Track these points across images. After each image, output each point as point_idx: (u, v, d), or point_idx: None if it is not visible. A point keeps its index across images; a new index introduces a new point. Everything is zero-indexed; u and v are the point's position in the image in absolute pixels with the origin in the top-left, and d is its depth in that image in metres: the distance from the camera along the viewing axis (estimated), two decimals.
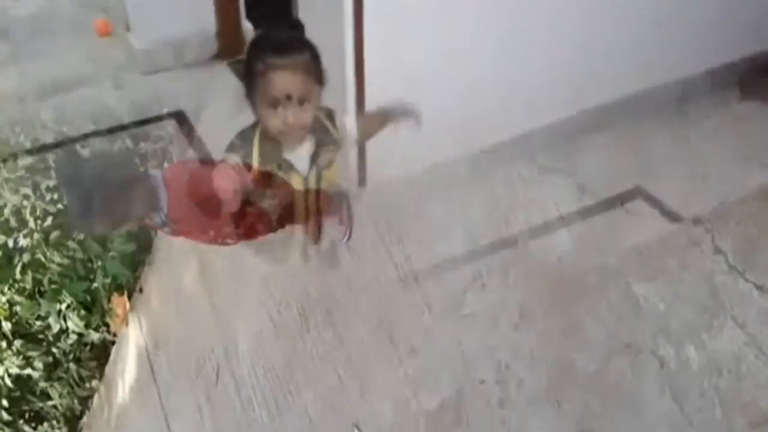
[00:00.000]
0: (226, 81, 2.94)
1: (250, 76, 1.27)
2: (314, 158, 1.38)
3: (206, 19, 2.96)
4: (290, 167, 1.36)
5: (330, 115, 1.40)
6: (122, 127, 2.65)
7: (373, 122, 1.48)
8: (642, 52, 2.42)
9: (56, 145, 2.56)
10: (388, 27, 1.85)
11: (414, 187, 2.19)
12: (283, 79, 1.24)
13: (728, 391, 1.63)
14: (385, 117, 1.46)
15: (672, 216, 2.17)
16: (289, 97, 1.25)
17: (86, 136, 2.60)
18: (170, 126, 2.66)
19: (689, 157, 2.44)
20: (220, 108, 2.75)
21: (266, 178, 1.34)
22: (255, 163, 1.32)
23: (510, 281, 1.96)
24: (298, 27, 1.33)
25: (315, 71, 1.28)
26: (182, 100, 2.80)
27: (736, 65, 2.72)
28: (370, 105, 1.93)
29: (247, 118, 1.36)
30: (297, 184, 1.39)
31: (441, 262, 2.02)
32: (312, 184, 1.41)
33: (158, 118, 2.71)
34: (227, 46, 3.04)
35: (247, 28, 3.05)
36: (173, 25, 2.91)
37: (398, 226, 2.14)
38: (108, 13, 3.36)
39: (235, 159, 1.30)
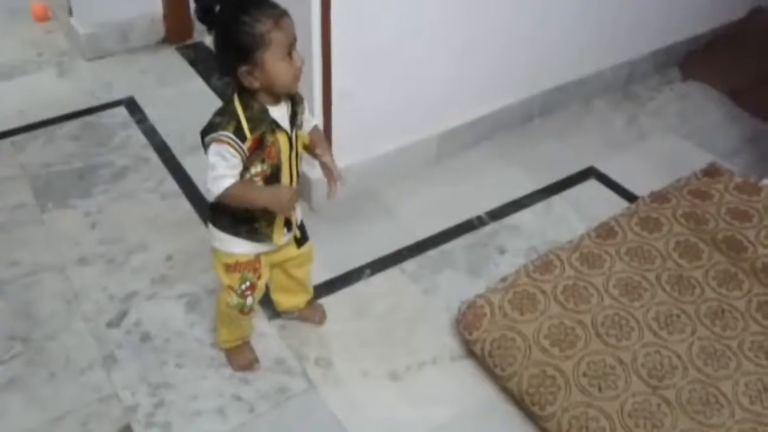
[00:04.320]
0: (175, 65, 2.87)
1: (252, 41, 1.28)
2: (293, 116, 1.43)
3: (153, 2, 2.88)
4: (278, 126, 1.39)
5: None
6: (71, 116, 2.55)
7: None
8: (590, 36, 2.51)
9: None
10: (352, 15, 1.85)
11: (377, 171, 2.21)
12: (289, 24, 1.31)
13: None
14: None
15: (625, 194, 2.25)
16: (295, 41, 1.33)
17: (33, 126, 2.50)
18: (121, 113, 2.58)
19: (638, 136, 2.54)
20: (171, 93, 2.69)
21: (258, 143, 1.37)
22: (247, 131, 1.34)
23: (475, 263, 2.01)
24: None
25: None
26: (131, 85, 2.72)
27: (677, 47, 2.84)
28: (336, 87, 1.94)
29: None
30: (284, 143, 1.41)
31: (403, 249, 2.05)
32: (294, 143, 1.45)
33: (108, 105, 2.62)
34: (175, 30, 2.96)
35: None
36: (118, 8, 2.81)
37: (362, 213, 2.15)
38: None
39: (228, 136, 1.33)
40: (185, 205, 2.19)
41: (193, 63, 2.89)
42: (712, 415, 1.52)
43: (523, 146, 2.46)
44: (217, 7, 1.31)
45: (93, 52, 2.86)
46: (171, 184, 2.27)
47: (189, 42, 3.00)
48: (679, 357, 1.63)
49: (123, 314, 1.84)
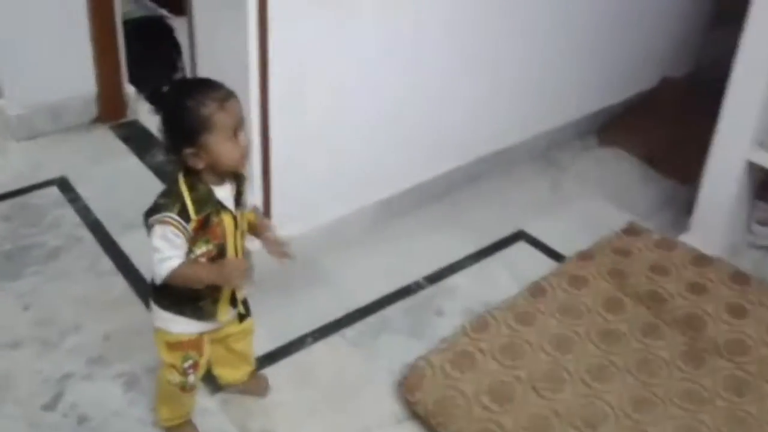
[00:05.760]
0: (109, 144, 2.88)
1: (197, 124, 1.31)
2: (238, 196, 1.45)
3: (86, 82, 2.90)
4: (223, 207, 1.41)
5: None
6: (1, 197, 2.51)
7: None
8: (516, 108, 2.69)
9: None
10: (290, 93, 1.95)
11: (315, 243, 2.25)
12: (235, 105, 1.34)
13: None
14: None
15: (553, 254, 2.36)
16: (242, 122, 1.36)
17: None
18: (53, 193, 2.56)
19: (562, 200, 2.69)
20: (105, 172, 2.69)
21: (204, 225, 1.38)
22: (192, 212, 1.35)
23: (414, 326, 2.06)
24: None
25: None
26: (64, 165, 2.70)
27: (595, 115, 3.04)
28: (275, 164, 2.00)
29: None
30: (228, 223, 1.43)
31: (343, 316, 2.08)
32: (239, 222, 1.46)
33: (40, 185, 2.59)
34: (108, 109, 2.98)
35: (130, 90, 3.02)
36: (50, 89, 2.82)
37: (302, 282, 2.18)
38: None
39: (173, 217, 1.34)
40: (121, 284, 2.17)
41: (127, 141, 2.90)
42: None
43: (455, 212, 2.56)
44: (165, 88, 1.35)
45: (24, 133, 2.84)
46: (106, 263, 2.25)
47: (123, 120, 3.02)
48: (611, 406, 1.70)
49: (58, 396, 1.79)
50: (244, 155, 1.39)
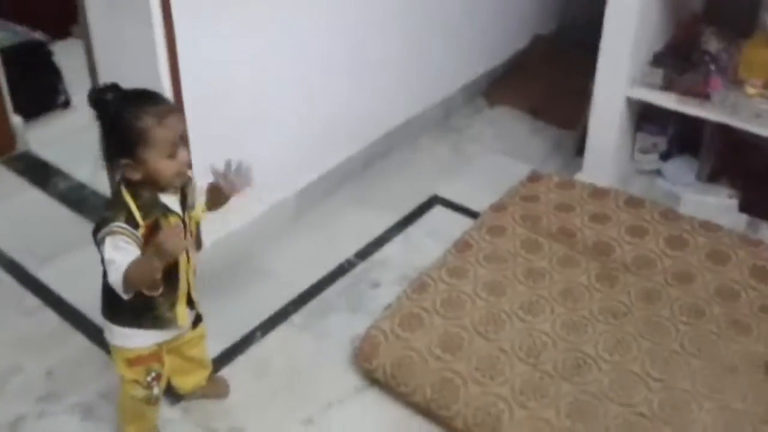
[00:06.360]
0: (3, 179, 2.75)
1: (133, 138, 1.31)
2: (184, 199, 1.47)
3: None
4: (171, 211, 1.42)
5: None
6: None
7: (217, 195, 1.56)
8: (412, 82, 2.84)
9: None
10: (203, 88, 1.99)
11: (246, 237, 2.30)
12: (175, 121, 1.34)
13: None
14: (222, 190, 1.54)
15: (468, 212, 2.52)
16: (182, 138, 1.36)
17: None
18: None
19: (465, 161, 2.85)
20: (6, 208, 2.58)
21: (153, 230, 1.38)
22: (139, 218, 1.36)
23: (355, 301, 2.16)
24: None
25: None
26: None
27: (482, 79, 3.23)
28: (194, 169, 2.02)
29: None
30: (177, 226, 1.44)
31: (286, 304, 2.15)
32: (189, 225, 1.48)
33: None
34: None
35: (17, 121, 2.90)
36: None
37: (240, 280, 2.23)
38: None
39: (121, 226, 1.33)
40: (53, 318, 2.13)
41: (23, 174, 2.78)
42: (584, 374, 1.78)
43: (371, 189, 2.67)
44: (110, 95, 1.33)
45: None
46: (32, 300, 2.19)
47: (14, 153, 2.90)
48: (546, 334, 1.88)
49: None
50: (182, 172, 1.39)
